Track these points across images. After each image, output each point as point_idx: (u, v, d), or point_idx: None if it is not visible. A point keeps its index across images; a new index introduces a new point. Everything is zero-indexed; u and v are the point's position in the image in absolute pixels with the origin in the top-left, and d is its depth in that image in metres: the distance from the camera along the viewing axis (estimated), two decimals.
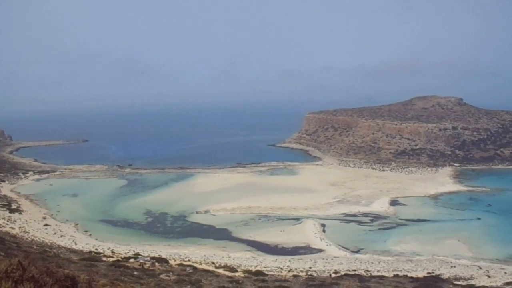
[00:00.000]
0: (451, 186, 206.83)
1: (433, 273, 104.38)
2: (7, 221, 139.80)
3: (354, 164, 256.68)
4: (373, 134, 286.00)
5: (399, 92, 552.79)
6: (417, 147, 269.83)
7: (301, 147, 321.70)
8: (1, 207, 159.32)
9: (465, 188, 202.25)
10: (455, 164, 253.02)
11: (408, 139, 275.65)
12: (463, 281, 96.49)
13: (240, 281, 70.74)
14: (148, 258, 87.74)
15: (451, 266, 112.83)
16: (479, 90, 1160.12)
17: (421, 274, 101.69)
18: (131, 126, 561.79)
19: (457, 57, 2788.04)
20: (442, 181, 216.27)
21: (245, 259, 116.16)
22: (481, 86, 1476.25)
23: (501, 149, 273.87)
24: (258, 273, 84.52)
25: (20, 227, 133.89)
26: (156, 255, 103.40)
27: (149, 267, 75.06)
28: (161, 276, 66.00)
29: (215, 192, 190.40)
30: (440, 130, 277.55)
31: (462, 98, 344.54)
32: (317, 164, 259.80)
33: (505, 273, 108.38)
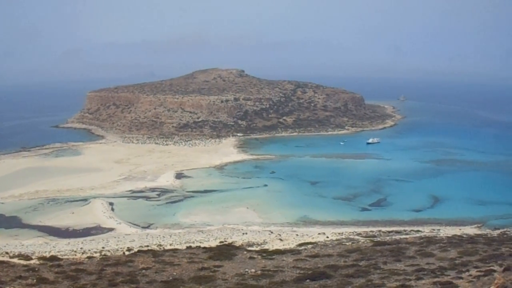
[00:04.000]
0: (236, 155, 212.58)
1: (225, 241, 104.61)
2: None
3: (138, 140, 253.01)
4: (155, 109, 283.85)
5: (182, 67, 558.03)
6: (200, 119, 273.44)
7: (84, 126, 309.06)
8: None
9: (250, 157, 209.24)
10: (238, 134, 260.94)
11: (190, 112, 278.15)
12: (256, 247, 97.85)
13: (36, 269, 67.30)
14: None
15: (243, 233, 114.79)
16: (263, 62, 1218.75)
17: (213, 243, 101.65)
18: None
19: (242, 32, 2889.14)
20: (226, 151, 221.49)
21: (39, 246, 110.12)
22: (265, 58, 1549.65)
23: (284, 117, 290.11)
24: (53, 258, 79.64)
25: None
26: None
27: None
28: None
29: (1, 179, 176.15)
30: (222, 101, 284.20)
31: (243, 70, 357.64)
32: (101, 143, 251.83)
33: (297, 235, 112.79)
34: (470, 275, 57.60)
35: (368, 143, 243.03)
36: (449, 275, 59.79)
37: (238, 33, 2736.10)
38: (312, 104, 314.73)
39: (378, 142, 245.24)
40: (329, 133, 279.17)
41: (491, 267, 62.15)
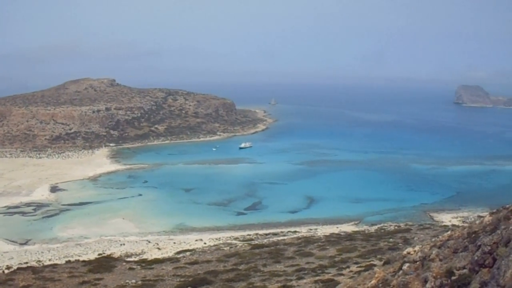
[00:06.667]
0: (109, 166, 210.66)
1: (104, 253, 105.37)
2: None
3: (11, 154, 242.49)
4: (27, 121, 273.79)
5: (55, 77, 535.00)
6: (72, 131, 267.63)
7: None
8: None
9: (123, 167, 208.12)
10: (111, 144, 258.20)
11: (63, 123, 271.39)
12: (135, 257, 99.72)
13: None
14: None
15: (121, 244, 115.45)
16: (135, 70, 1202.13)
17: (92, 256, 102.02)
18: None
19: (115, 40, 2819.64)
20: (99, 162, 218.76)
21: None
22: (137, 66, 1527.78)
23: (156, 126, 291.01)
24: None
25: None
26: None
27: None
28: None
29: None
30: (93, 112, 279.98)
31: (115, 79, 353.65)
32: None
33: (174, 243, 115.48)
34: (351, 271, 62.01)
35: (241, 148, 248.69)
36: (330, 273, 64.07)
37: (112, 41, 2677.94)
38: (183, 112, 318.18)
39: (251, 147, 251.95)
40: (201, 139, 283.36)
41: (371, 262, 67.57)
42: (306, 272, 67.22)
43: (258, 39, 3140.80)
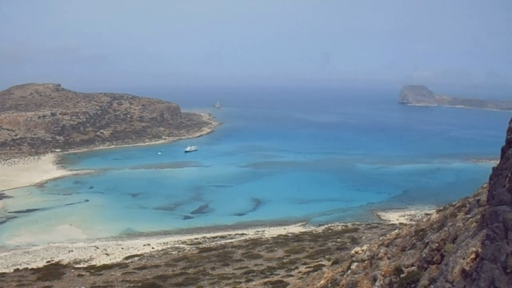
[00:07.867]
0: (55, 172, 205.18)
1: (52, 260, 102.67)
2: None
3: None
4: None
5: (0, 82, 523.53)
6: (18, 136, 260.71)
7: None
8: None
9: (69, 173, 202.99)
10: (56, 150, 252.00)
11: (8, 129, 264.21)
12: (83, 264, 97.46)
13: None
14: None
15: (69, 251, 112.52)
16: (80, 74, 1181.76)
17: (41, 264, 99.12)
18: None
19: (62, 44, 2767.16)
20: (45, 168, 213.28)
21: None
22: (83, 70, 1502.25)
23: (101, 130, 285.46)
24: None
25: None
26: None
27: None
28: None
29: None
30: (39, 117, 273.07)
31: (60, 84, 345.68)
32: None
33: (122, 248, 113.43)
34: (300, 272, 62.32)
35: (186, 151, 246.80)
36: (278, 274, 64.31)
37: (58, 45, 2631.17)
38: (129, 116, 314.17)
39: (196, 150, 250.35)
40: (147, 143, 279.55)
41: (320, 262, 67.95)
42: (255, 274, 67.42)
43: (206, 41, 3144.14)
